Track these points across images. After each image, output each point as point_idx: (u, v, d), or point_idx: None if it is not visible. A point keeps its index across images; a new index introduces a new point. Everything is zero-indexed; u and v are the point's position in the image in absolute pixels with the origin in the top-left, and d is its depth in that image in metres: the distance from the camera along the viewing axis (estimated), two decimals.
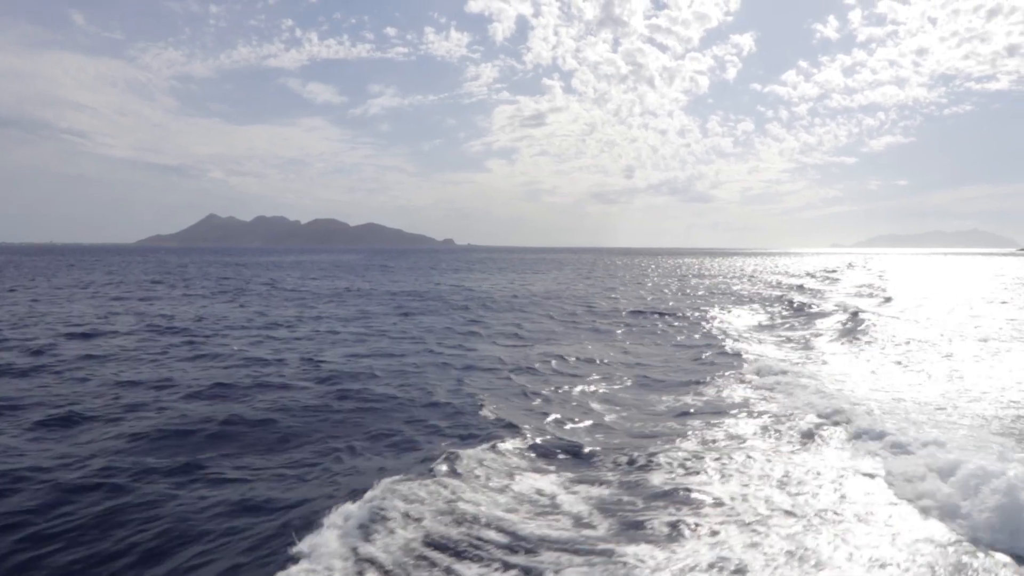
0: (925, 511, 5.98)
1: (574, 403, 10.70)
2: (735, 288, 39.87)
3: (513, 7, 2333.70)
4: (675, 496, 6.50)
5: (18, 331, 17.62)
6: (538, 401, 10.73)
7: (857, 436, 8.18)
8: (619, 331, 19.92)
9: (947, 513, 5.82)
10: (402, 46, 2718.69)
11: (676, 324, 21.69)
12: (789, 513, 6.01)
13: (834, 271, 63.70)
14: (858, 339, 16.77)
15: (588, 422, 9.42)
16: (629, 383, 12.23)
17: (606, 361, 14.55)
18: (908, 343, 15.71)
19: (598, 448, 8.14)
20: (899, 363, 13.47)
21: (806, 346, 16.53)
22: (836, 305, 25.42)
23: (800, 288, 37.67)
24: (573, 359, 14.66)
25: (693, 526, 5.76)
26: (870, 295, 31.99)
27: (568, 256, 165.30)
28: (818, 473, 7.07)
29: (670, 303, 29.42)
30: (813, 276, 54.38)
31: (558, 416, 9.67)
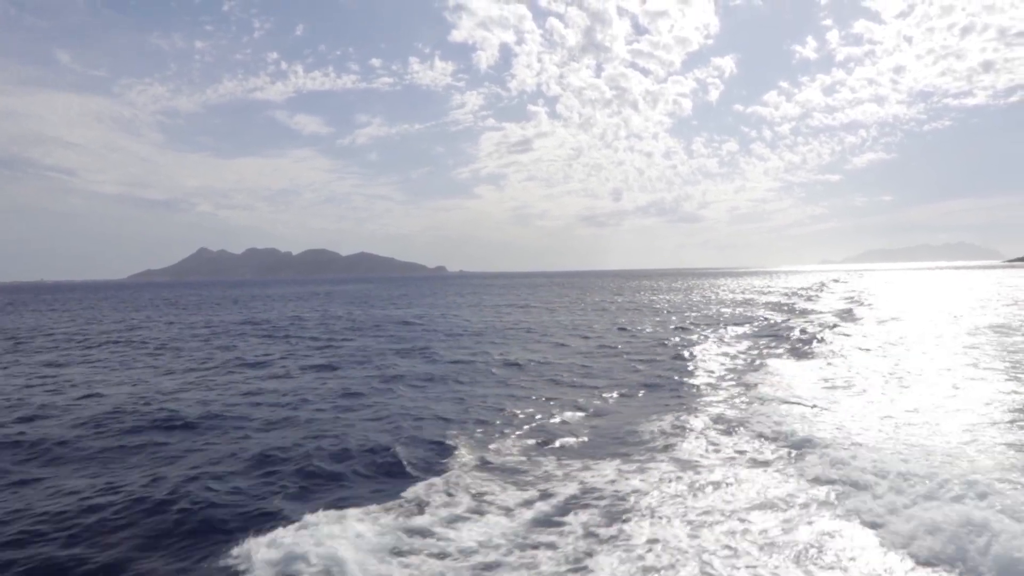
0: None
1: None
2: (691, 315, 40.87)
3: (496, 35, 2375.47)
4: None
5: None
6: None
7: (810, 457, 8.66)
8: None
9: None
10: (387, 76, 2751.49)
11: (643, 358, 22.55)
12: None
13: (812, 288, 64.94)
14: (812, 357, 17.78)
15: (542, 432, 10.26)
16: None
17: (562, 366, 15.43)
18: (858, 365, 16.65)
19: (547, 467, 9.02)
20: (839, 383, 14.30)
21: (761, 364, 17.38)
22: (802, 331, 26.40)
23: (776, 305, 38.76)
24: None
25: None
26: (832, 324, 33.03)
27: (560, 279, 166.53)
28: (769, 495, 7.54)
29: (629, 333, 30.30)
30: (787, 300, 55.45)
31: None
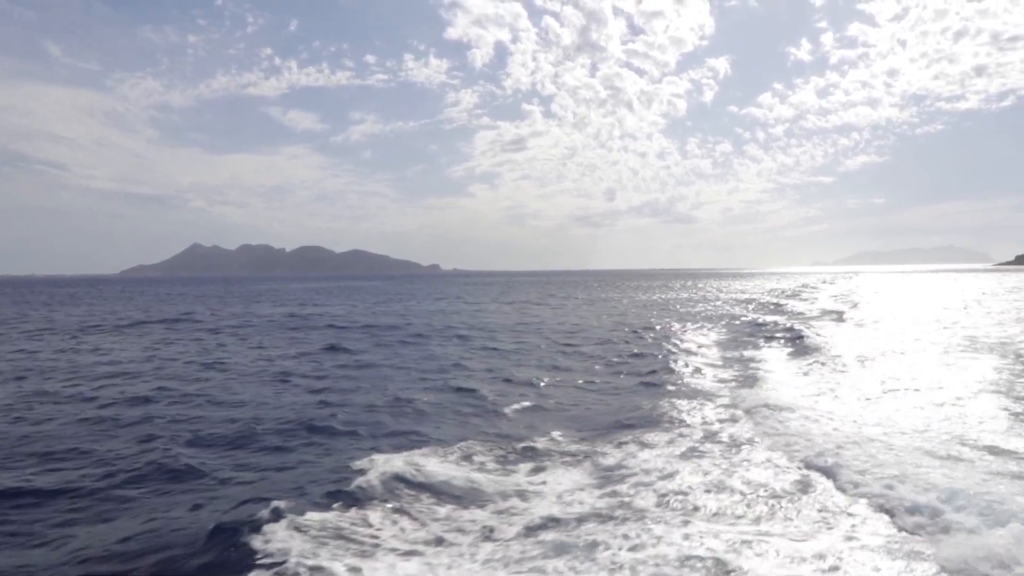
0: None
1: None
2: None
3: (491, 33, 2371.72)
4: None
5: None
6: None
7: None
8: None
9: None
10: (382, 73, 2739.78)
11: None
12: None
13: (796, 291, 66.71)
14: (805, 357, 19.44)
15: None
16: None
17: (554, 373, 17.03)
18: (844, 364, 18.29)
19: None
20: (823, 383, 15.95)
21: (751, 366, 18.99)
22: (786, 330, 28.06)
23: (762, 305, 40.42)
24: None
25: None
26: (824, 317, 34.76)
27: (552, 278, 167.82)
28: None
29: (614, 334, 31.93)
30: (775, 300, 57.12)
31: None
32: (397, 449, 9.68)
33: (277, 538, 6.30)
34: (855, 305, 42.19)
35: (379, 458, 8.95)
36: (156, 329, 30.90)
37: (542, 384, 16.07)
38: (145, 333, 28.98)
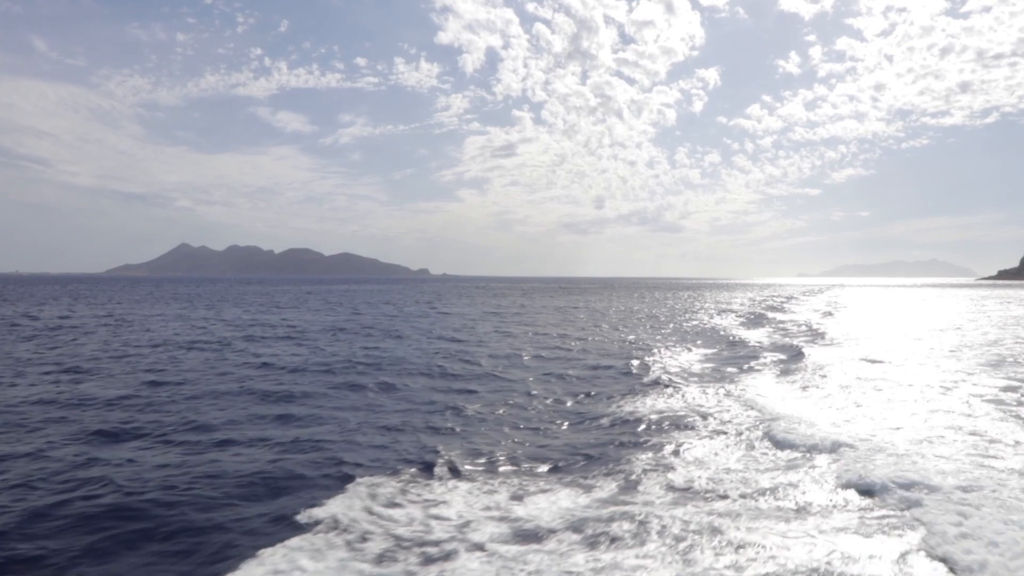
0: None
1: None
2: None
3: (483, 39, 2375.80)
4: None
5: None
6: None
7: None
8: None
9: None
10: (372, 76, 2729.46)
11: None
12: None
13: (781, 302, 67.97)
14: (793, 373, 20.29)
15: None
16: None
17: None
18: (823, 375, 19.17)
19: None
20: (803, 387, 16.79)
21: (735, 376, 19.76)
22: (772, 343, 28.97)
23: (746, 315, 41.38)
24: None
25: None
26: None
27: (538, 286, 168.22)
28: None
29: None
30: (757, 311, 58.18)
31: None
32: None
33: None
34: (834, 315, 43.27)
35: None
36: None
37: None
38: None
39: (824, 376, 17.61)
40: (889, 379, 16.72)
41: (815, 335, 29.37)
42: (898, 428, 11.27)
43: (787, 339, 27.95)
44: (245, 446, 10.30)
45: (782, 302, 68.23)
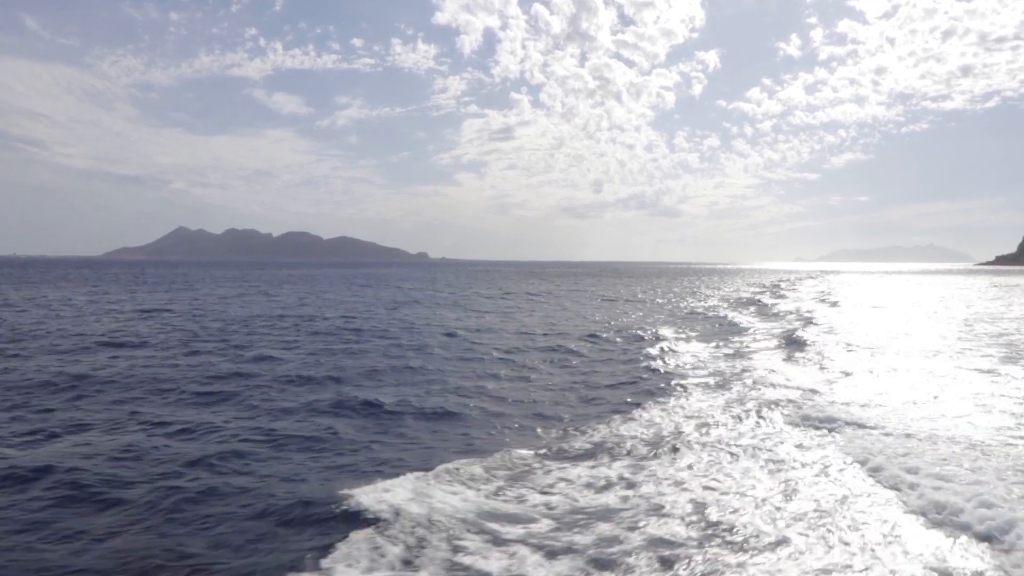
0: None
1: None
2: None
3: (481, 20, 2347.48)
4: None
5: None
6: None
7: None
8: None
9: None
10: (369, 57, 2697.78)
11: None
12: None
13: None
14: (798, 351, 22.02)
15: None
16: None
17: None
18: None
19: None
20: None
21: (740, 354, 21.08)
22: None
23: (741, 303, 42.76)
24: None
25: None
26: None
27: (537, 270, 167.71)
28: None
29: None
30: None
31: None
32: None
33: None
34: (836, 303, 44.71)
35: None
36: None
37: None
38: None
39: (826, 356, 18.90)
40: (891, 361, 17.74)
41: (807, 322, 30.93)
42: (900, 406, 12.09)
43: (784, 323, 29.58)
44: None
45: (779, 287, 69.62)
